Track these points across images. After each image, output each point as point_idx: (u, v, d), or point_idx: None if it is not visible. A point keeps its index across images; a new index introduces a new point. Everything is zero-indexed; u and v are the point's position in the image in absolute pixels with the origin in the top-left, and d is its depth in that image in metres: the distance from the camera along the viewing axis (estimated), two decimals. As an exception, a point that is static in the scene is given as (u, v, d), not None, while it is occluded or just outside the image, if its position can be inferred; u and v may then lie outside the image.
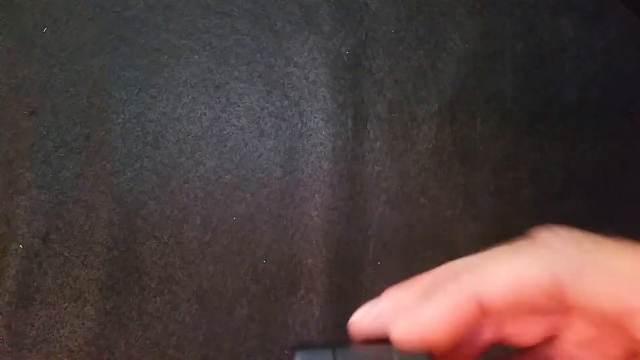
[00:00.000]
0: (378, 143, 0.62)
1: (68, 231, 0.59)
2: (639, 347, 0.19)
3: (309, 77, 0.64)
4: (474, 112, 0.63)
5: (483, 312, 0.17)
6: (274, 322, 0.57)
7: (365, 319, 0.19)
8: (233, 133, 0.62)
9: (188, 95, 0.63)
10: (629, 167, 0.63)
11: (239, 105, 0.63)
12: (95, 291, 0.57)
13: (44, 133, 0.61)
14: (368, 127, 0.63)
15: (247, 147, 0.62)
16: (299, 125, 0.62)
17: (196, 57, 0.64)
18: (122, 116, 0.62)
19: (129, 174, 0.60)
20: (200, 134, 0.62)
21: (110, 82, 0.62)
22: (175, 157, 0.61)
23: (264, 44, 0.64)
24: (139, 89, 0.63)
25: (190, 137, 0.62)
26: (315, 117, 0.62)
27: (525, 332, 0.19)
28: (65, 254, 0.58)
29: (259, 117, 0.62)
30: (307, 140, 0.62)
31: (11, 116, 0.61)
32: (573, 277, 0.16)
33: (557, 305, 0.17)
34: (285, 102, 0.63)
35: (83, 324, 0.57)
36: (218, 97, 0.63)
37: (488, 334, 0.19)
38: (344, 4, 0.66)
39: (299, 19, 0.65)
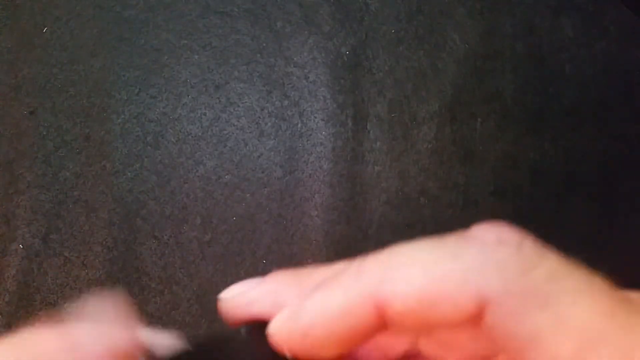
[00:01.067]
0: (378, 143, 0.62)
1: (68, 231, 0.59)
2: None
3: (309, 77, 0.64)
4: (474, 112, 0.63)
5: (382, 321, 0.13)
6: (274, 322, 0.57)
7: (238, 299, 0.16)
8: (233, 133, 0.62)
9: (188, 95, 0.63)
10: (630, 167, 0.63)
11: (239, 105, 0.63)
12: (95, 291, 0.57)
13: (44, 133, 0.61)
14: (368, 127, 0.63)
15: (247, 147, 0.62)
16: (299, 125, 0.62)
17: (196, 57, 0.64)
18: (122, 116, 0.62)
19: (129, 174, 0.60)
20: (200, 134, 0.62)
21: (110, 82, 0.62)
22: (175, 157, 0.61)
23: (264, 44, 0.64)
24: (139, 89, 0.63)
25: (190, 137, 0.62)
26: (315, 117, 0.62)
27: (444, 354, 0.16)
28: (66, 254, 0.58)
29: (259, 117, 0.62)
30: (307, 140, 0.62)
31: (11, 116, 0.61)
32: (502, 298, 0.12)
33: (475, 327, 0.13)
34: (285, 102, 0.63)
35: (83, 324, 0.57)
36: (218, 97, 0.63)
37: (400, 347, 0.16)
38: (344, 4, 0.66)
39: (299, 19, 0.65)
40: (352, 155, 0.62)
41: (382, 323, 0.13)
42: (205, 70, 0.64)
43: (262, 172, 0.61)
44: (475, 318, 0.12)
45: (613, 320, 0.13)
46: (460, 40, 0.66)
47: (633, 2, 0.66)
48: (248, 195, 0.61)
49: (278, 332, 0.14)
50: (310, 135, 0.62)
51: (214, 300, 0.58)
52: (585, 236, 0.61)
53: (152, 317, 0.56)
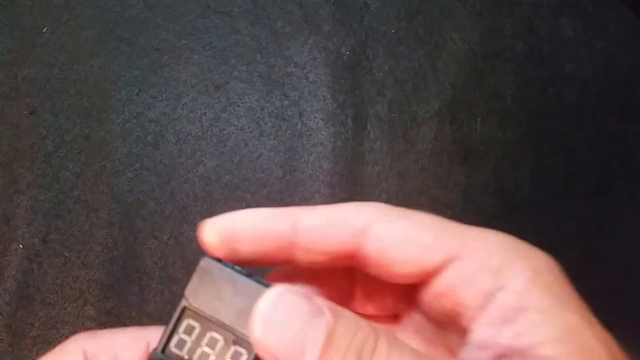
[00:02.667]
0: (378, 143, 0.62)
1: (68, 231, 0.59)
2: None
3: (309, 77, 0.64)
4: (474, 112, 0.63)
5: (295, 235, 0.18)
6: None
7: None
8: (233, 133, 0.62)
9: (188, 95, 0.63)
10: (630, 167, 0.63)
11: (239, 105, 0.63)
12: (95, 291, 0.57)
13: (44, 133, 0.61)
14: (368, 127, 0.63)
15: (247, 147, 0.62)
16: (299, 125, 0.62)
17: (196, 57, 0.64)
18: (122, 116, 0.62)
19: (129, 174, 0.60)
20: (200, 134, 0.62)
21: (110, 82, 0.62)
22: (175, 157, 0.61)
23: (264, 44, 0.64)
24: (139, 89, 0.63)
25: (190, 137, 0.62)
26: (315, 117, 0.62)
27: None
28: (65, 254, 0.58)
29: (259, 117, 0.62)
30: (307, 140, 0.62)
31: (11, 116, 0.61)
32: (379, 217, 0.18)
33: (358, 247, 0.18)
34: (285, 102, 0.63)
35: (83, 324, 0.57)
36: (218, 97, 0.63)
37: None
38: (344, 4, 0.66)
39: (299, 19, 0.65)
40: (352, 155, 0.62)
41: (292, 242, 0.19)
42: (205, 70, 0.64)
43: (262, 172, 0.61)
44: (362, 233, 0.18)
45: (444, 221, 0.19)
46: (460, 40, 0.66)
47: (633, 2, 0.66)
48: (248, 195, 0.61)
49: (210, 230, 0.20)
50: (310, 135, 0.62)
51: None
52: (585, 236, 0.61)
53: (152, 317, 0.56)
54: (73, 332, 0.56)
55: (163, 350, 0.19)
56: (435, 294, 0.18)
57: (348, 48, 0.65)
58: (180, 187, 0.60)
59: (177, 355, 0.18)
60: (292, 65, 0.64)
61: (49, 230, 0.59)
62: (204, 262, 0.19)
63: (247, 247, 0.18)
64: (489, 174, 0.62)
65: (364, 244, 0.18)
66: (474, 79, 0.64)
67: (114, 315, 0.57)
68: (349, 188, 0.61)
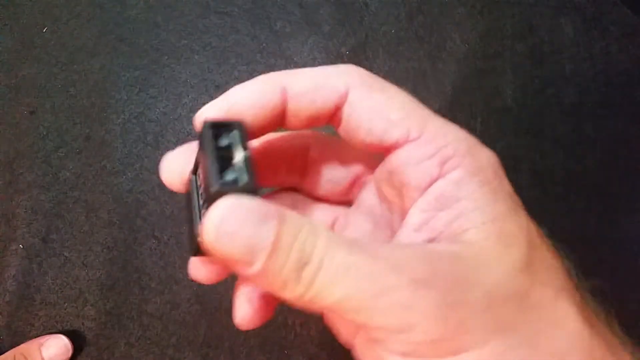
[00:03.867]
0: (378, 143, 0.62)
1: (68, 231, 0.59)
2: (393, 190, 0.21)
3: (309, 77, 0.64)
4: (474, 112, 0.63)
5: (284, 107, 0.20)
6: (274, 322, 0.57)
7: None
8: (233, 133, 0.62)
9: (188, 95, 0.63)
10: (629, 167, 0.63)
11: (239, 105, 0.62)
12: (95, 291, 0.57)
13: (44, 133, 0.61)
14: (368, 127, 0.63)
15: (247, 147, 0.62)
16: (299, 125, 0.62)
17: (196, 57, 0.64)
18: (122, 116, 0.62)
19: (129, 174, 0.60)
20: (200, 134, 0.62)
21: (110, 82, 0.62)
22: (175, 157, 0.61)
23: (264, 44, 0.64)
24: (139, 89, 0.63)
25: (190, 137, 0.62)
26: (315, 117, 0.62)
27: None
28: (66, 254, 0.58)
29: (259, 117, 0.62)
30: (307, 140, 0.62)
31: (11, 116, 0.61)
32: (359, 84, 0.20)
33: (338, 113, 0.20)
34: (285, 102, 0.63)
35: (83, 324, 0.57)
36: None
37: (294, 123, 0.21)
38: (344, 4, 0.66)
39: (299, 19, 0.65)
40: (352, 155, 0.62)
41: (282, 110, 0.20)
42: (205, 70, 0.64)
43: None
44: (343, 98, 0.19)
45: (417, 104, 0.20)
46: (460, 40, 0.66)
47: (633, 2, 0.66)
48: (248, 195, 0.61)
49: (207, 112, 0.20)
50: (310, 135, 0.62)
51: (214, 300, 0.58)
52: (585, 236, 0.61)
53: (152, 317, 0.56)
54: (73, 332, 0.56)
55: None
56: (387, 170, 0.20)
57: (348, 48, 0.65)
58: (180, 187, 0.60)
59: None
60: (292, 65, 0.64)
61: (49, 230, 0.59)
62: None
63: (246, 122, 0.19)
64: (489, 174, 0.62)
65: (342, 107, 0.20)
66: (474, 79, 0.64)
67: (114, 315, 0.57)
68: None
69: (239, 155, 0.17)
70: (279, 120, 0.20)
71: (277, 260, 0.16)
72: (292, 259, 0.16)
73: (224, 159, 0.17)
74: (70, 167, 0.60)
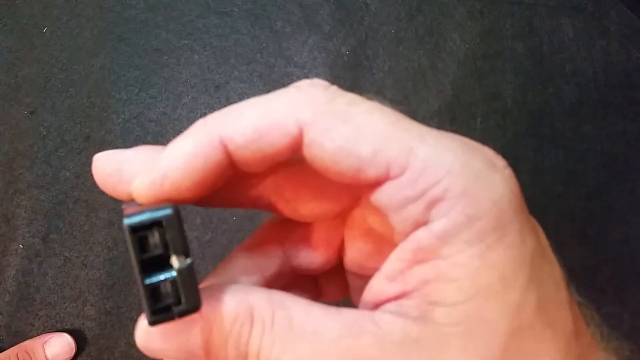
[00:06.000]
0: (378, 143, 0.62)
1: (68, 231, 0.59)
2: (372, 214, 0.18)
3: (309, 77, 0.63)
4: (474, 112, 0.63)
5: (229, 159, 0.16)
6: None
7: (108, 164, 0.18)
8: (233, 133, 0.62)
9: (188, 95, 0.63)
10: (629, 167, 0.63)
11: (239, 105, 0.62)
12: (95, 291, 0.57)
13: (44, 133, 0.61)
14: (368, 127, 0.63)
15: (247, 147, 0.62)
16: (299, 125, 0.62)
17: (196, 57, 0.64)
18: (122, 116, 0.62)
19: (129, 174, 0.60)
20: (200, 134, 0.62)
21: (110, 82, 0.62)
22: (175, 157, 0.61)
23: (264, 44, 0.64)
24: (139, 89, 0.63)
25: (190, 137, 0.62)
26: (315, 117, 0.62)
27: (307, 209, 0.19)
28: (66, 253, 0.58)
29: (259, 117, 0.62)
30: (307, 140, 0.62)
31: (11, 116, 0.61)
32: (314, 119, 0.15)
33: (298, 154, 0.16)
34: (285, 102, 0.63)
35: (83, 324, 0.57)
36: (218, 97, 0.63)
37: (253, 192, 0.19)
38: (344, 4, 0.66)
39: (299, 19, 0.65)
40: (352, 155, 0.62)
41: (229, 162, 0.16)
42: (205, 70, 0.64)
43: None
44: (298, 140, 0.16)
45: (397, 125, 0.16)
46: (460, 40, 0.66)
47: (633, 2, 0.66)
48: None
49: (139, 186, 0.16)
50: (310, 135, 0.62)
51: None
52: (585, 236, 0.61)
53: (152, 317, 0.56)
54: (73, 332, 0.56)
55: None
56: (371, 206, 0.17)
57: (348, 48, 0.65)
58: (180, 187, 0.60)
59: None
60: (292, 65, 0.64)
61: (49, 230, 0.59)
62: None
63: (184, 188, 0.16)
64: (489, 174, 0.62)
65: (301, 148, 0.16)
66: (474, 79, 0.64)
67: (114, 315, 0.57)
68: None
69: (175, 263, 0.15)
70: (228, 172, 0.17)
71: (218, 358, 0.16)
72: (230, 357, 0.16)
73: (156, 275, 0.15)
74: (71, 167, 0.60)
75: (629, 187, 0.63)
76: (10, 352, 0.52)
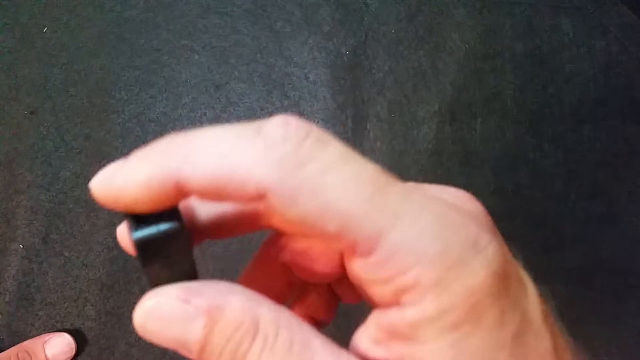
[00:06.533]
0: (378, 143, 0.62)
1: (68, 231, 0.59)
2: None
3: (309, 77, 0.64)
4: (474, 112, 0.63)
5: (183, 192, 0.16)
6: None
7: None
8: (233, 133, 0.62)
9: (188, 95, 0.63)
10: (629, 167, 0.63)
11: (239, 105, 0.63)
12: (95, 291, 0.57)
13: (44, 133, 0.61)
14: (368, 127, 0.63)
15: (247, 147, 0.62)
16: (299, 125, 0.62)
17: (196, 57, 0.64)
18: (122, 116, 0.62)
19: (129, 174, 0.60)
20: (200, 134, 0.62)
21: (110, 82, 0.62)
22: (175, 157, 0.61)
23: (264, 44, 0.64)
24: (139, 89, 0.63)
25: (190, 137, 0.62)
26: (315, 117, 0.62)
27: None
28: (66, 253, 0.58)
29: (259, 117, 0.62)
30: (307, 140, 0.62)
31: (11, 116, 0.61)
32: (279, 187, 0.14)
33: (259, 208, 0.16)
34: (285, 102, 0.63)
35: (83, 324, 0.57)
36: (218, 97, 0.63)
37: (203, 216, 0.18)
38: (344, 4, 0.66)
39: (299, 19, 0.65)
40: (352, 155, 0.62)
41: (182, 193, 0.16)
42: (205, 71, 0.64)
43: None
44: (257, 199, 0.15)
45: (372, 203, 0.14)
46: (460, 40, 0.66)
47: (633, 2, 0.66)
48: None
49: (96, 188, 0.16)
50: (310, 135, 0.62)
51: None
52: (585, 236, 0.61)
53: (152, 317, 0.56)
54: (74, 331, 0.56)
55: None
56: (349, 276, 0.17)
57: (348, 48, 0.65)
58: (180, 187, 0.60)
59: None
60: (292, 66, 0.64)
61: (49, 230, 0.59)
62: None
63: (141, 207, 0.16)
64: (489, 174, 0.62)
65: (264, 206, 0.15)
66: (474, 79, 0.64)
67: (114, 315, 0.57)
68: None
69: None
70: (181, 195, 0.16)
71: (210, 358, 0.15)
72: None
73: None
74: (71, 167, 0.60)
75: (629, 187, 0.63)
76: (11, 352, 0.52)
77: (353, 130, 0.62)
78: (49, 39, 0.63)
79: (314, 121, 0.62)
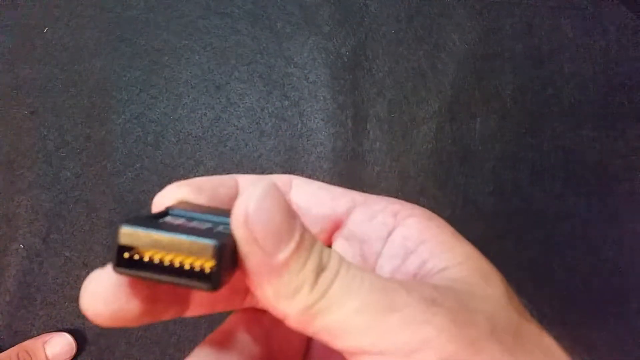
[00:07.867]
0: (378, 143, 0.62)
1: (69, 231, 0.59)
2: None
3: (309, 78, 0.64)
4: (473, 112, 0.63)
5: None
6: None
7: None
8: (233, 133, 0.62)
9: (188, 96, 0.63)
10: (629, 167, 0.63)
11: (239, 106, 0.63)
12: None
13: (45, 133, 0.61)
14: (368, 127, 0.63)
15: (247, 147, 0.62)
16: (299, 125, 0.62)
17: (197, 57, 0.64)
18: (123, 116, 0.62)
19: (129, 174, 0.60)
20: (200, 134, 0.62)
21: (110, 82, 0.63)
22: (175, 157, 0.61)
23: (264, 45, 0.65)
24: (140, 89, 0.63)
25: (190, 137, 0.62)
26: (315, 117, 0.63)
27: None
28: (66, 253, 0.58)
29: (259, 118, 0.62)
30: (307, 140, 0.62)
31: (12, 116, 0.61)
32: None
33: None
34: (285, 103, 0.63)
35: (83, 324, 0.57)
36: (218, 98, 0.63)
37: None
38: (344, 4, 0.66)
39: (299, 19, 0.65)
40: (352, 155, 0.62)
41: None
42: (205, 71, 0.64)
43: (262, 172, 0.61)
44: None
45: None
46: (460, 40, 0.66)
47: (633, 2, 0.66)
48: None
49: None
50: (310, 135, 0.62)
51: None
52: (585, 236, 0.61)
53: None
54: (74, 331, 0.56)
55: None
56: (346, 237, 0.20)
57: (348, 48, 0.65)
58: (181, 187, 0.60)
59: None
60: (292, 66, 0.64)
61: (50, 230, 0.59)
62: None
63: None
64: (489, 174, 0.62)
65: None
66: (473, 79, 0.64)
67: (115, 315, 0.57)
68: (349, 188, 0.61)
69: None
70: None
71: (299, 259, 0.15)
72: (312, 261, 0.15)
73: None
74: (71, 167, 0.60)
75: (629, 187, 0.63)
76: (11, 352, 0.53)
77: (353, 130, 0.63)
78: (50, 39, 0.63)
79: (314, 121, 0.63)
